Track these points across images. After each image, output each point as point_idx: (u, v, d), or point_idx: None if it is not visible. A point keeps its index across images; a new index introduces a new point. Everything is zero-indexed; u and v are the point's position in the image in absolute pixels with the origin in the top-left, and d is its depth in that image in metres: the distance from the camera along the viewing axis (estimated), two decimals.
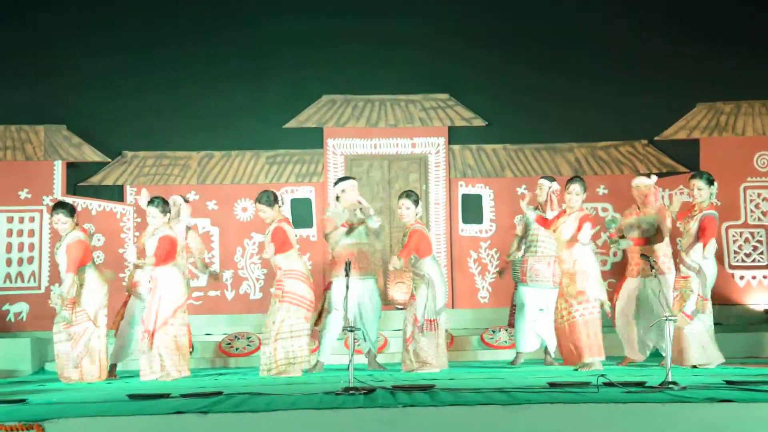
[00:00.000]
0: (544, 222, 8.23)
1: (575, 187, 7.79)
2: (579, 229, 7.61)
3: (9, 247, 10.81)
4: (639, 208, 8.29)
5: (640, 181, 8.31)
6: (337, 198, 8.49)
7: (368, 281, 8.30)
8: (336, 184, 8.64)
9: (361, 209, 8.35)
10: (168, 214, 7.98)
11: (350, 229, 8.28)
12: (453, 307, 11.04)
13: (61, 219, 7.78)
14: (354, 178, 8.76)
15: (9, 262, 10.82)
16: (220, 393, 5.39)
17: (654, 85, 11.14)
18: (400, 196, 8.16)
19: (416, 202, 8.04)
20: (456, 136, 11.63)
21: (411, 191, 8.26)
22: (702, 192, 7.71)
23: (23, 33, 11.16)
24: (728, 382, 5.50)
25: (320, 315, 8.31)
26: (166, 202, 8.01)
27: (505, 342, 10.04)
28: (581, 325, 7.53)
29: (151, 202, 7.94)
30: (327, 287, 8.44)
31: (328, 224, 8.42)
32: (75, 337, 7.66)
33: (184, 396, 5.27)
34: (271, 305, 7.88)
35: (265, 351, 7.78)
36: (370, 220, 8.31)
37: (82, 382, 7.60)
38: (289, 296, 7.76)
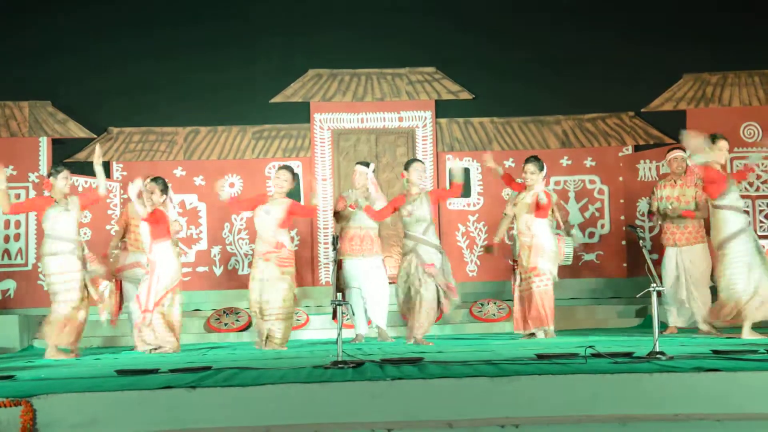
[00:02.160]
0: (510, 182, 8.71)
1: (529, 167, 8.23)
2: (536, 207, 8.04)
3: None
4: (675, 181, 8.75)
5: (679, 153, 8.73)
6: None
7: (374, 258, 8.59)
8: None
9: (367, 196, 8.60)
10: (165, 196, 7.97)
11: (356, 212, 8.60)
12: None
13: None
14: (367, 165, 8.79)
15: None
16: (209, 368, 5.38)
17: (640, 56, 11.11)
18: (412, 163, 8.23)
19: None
20: (443, 109, 11.59)
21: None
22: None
23: (7, 9, 11.03)
24: (715, 352, 5.53)
25: (342, 293, 8.58)
26: (166, 184, 8.04)
27: (494, 315, 10.07)
28: (536, 296, 8.06)
29: (155, 179, 7.97)
30: (339, 266, 8.65)
31: (339, 203, 8.77)
32: None
33: (172, 371, 5.26)
34: (279, 282, 7.88)
35: (279, 326, 7.84)
36: (380, 202, 8.59)
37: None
38: (293, 274, 7.94)
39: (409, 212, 7.86)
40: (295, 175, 8.13)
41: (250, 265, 11.03)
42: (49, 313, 7.74)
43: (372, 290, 8.50)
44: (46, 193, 8.01)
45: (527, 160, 8.41)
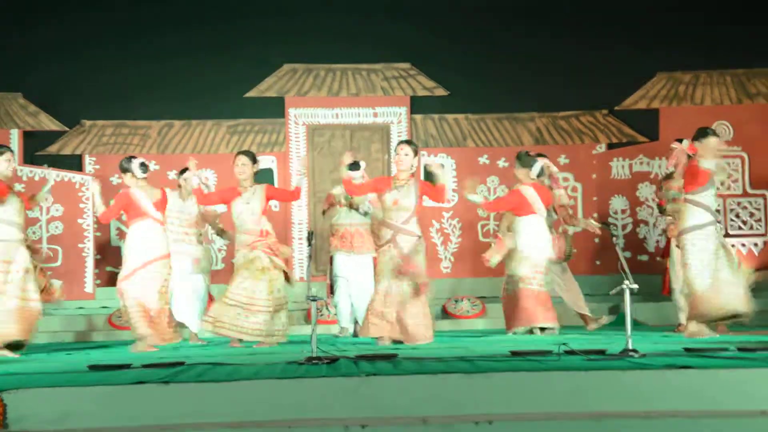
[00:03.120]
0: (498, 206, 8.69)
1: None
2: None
3: None
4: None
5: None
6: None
7: (364, 256, 8.69)
8: None
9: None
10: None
11: (350, 208, 8.69)
12: None
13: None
14: (357, 167, 8.41)
15: None
16: (182, 363, 5.34)
17: (614, 55, 11.17)
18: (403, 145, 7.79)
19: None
20: (418, 105, 11.60)
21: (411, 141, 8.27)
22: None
23: None
24: (687, 350, 5.57)
25: (332, 287, 8.77)
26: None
27: (467, 312, 10.09)
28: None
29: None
30: (330, 261, 8.88)
31: (328, 200, 8.89)
32: None
33: (145, 366, 5.22)
34: (266, 272, 7.60)
35: (265, 319, 7.54)
36: (363, 205, 8.66)
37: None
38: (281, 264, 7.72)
39: (395, 200, 7.45)
40: (255, 159, 7.84)
41: (224, 260, 11.01)
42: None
43: (357, 287, 8.55)
44: None
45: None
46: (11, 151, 7.41)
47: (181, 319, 8.29)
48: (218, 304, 7.61)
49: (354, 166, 8.16)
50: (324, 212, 8.99)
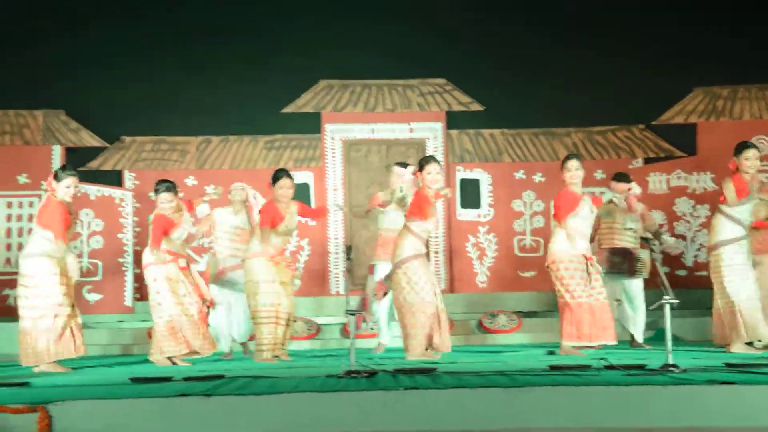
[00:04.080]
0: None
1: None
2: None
3: (9, 232, 10.79)
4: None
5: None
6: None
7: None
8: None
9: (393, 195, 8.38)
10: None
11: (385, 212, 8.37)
12: (452, 292, 11.06)
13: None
14: (405, 166, 8.41)
15: (9, 247, 10.79)
16: (222, 376, 5.39)
17: (651, 69, 11.11)
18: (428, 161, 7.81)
19: None
20: (454, 121, 11.60)
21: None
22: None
23: (23, 18, 11.08)
24: (728, 365, 5.52)
25: (364, 300, 8.34)
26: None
27: (504, 326, 10.05)
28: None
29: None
30: (370, 271, 8.49)
31: (372, 201, 8.55)
32: None
33: (186, 379, 5.28)
34: (290, 285, 7.75)
35: (280, 332, 7.65)
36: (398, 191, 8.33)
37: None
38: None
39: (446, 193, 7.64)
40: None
41: None
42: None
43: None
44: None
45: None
46: (75, 175, 7.47)
47: (235, 333, 8.44)
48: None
49: (403, 164, 8.28)
50: (368, 211, 8.64)
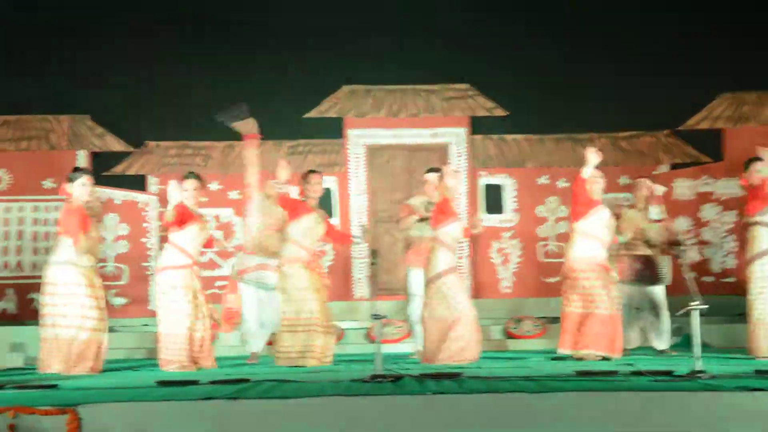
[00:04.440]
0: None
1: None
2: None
3: (34, 236, 10.89)
4: None
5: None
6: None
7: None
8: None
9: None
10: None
11: (421, 221, 8.25)
12: (476, 298, 11.03)
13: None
14: (436, 171, 8.28)
15: (35, 251, 10.89)
16: (247, 380, 5.42)
17: (676, 74, 11.06)
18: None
19: None
20: (477, 126, 11.60)
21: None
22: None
23: (47, 22, 11.19)
24: (758, 372, 5.48)
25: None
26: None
27: (529, 332, 10.04)
28: None
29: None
30: (404, 276, 8.47)
31: (403, 211, 8.49)
32: None
33: (212, 383, 5.30)
34: (321, 291, 7.65)
35: (322, 339, 7.51)
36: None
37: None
38: None
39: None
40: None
41: None
42: None
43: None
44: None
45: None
46: (87, 173, 7.42)
47: (273, 328, 8.37)
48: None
49: (434, 169, 8.26)
50: (399, 221, 8.62)
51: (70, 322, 7.05)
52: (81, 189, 7.22)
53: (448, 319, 7.34)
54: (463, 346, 7.32)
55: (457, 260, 7.69)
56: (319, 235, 7.80)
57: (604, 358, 7.38)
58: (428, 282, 7.45)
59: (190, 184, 7.40)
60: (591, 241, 7.55)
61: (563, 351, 7.53)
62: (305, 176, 7.82)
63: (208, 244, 7.73)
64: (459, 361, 7.25)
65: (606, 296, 7.44)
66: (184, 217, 7.25)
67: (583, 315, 7.48)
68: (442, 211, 7.52)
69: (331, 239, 8.51)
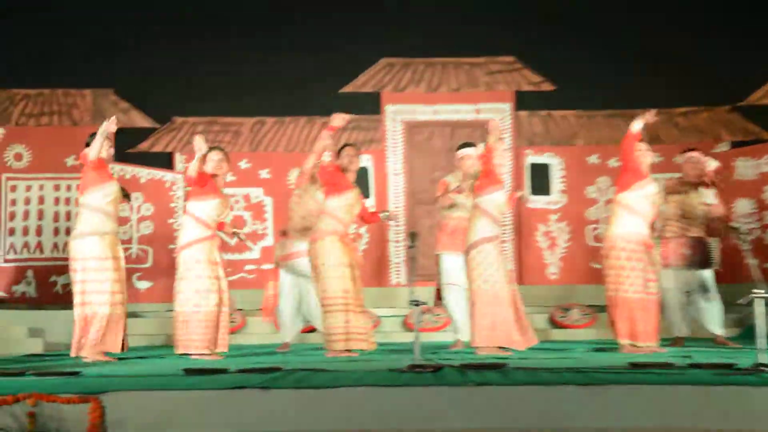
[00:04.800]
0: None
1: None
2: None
3: (56, 216, 10.99)
4: None
5: None
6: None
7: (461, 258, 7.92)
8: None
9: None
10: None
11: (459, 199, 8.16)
12: (520, 284, 10.96)
13: None
14: (470, 146, 8.33)
15: (56, 232, 10.98)
16: (278, 369, 5.42)
17: (738, 47, 10.88)
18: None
19: None
20: (523, 101, 11.51)
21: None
22: None
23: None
24: None
25: (438, 292, 8.25)
26: None
27: (578, 321, 9.98)
28: None
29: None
30: (435, 261, 8.34)
31: (440, 187, 8.38)
32: None
33: (241, 371, 5.32)
34: (357, 269, 7.57)
35: (355, 320, 7.43)
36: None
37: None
38: None
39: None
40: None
41: None
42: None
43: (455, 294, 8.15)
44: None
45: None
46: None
47: (313, 319, 8.40)
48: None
49: (467, 144, 8.25)
50: (437, 199, 8.40)
51: (98, 300, 7.17)
52: (97, 147, 7.42)
53: (484, 294, 7.22)
54: (499, 327, 7.20)
55: (501, 232, 7.56)
56: (356, 213, 7.76)
57: (633, 346, 7.28)
58: (466, 251, 7.37)
59: (216, 154, 7.53)
60: (634, 216, 7.40)
61: (623, 341, 7.37)
62: (341, 150, 7.79)
63: (220, 225, 7.66)
64: (496, 345, 7.17)
65: (639, 278, 7.31)
66: (205, 180, 7.33)
67: (613, 298, 7.38)
68: (486, 176, 7.44)
69: (359, 217, 8.49)
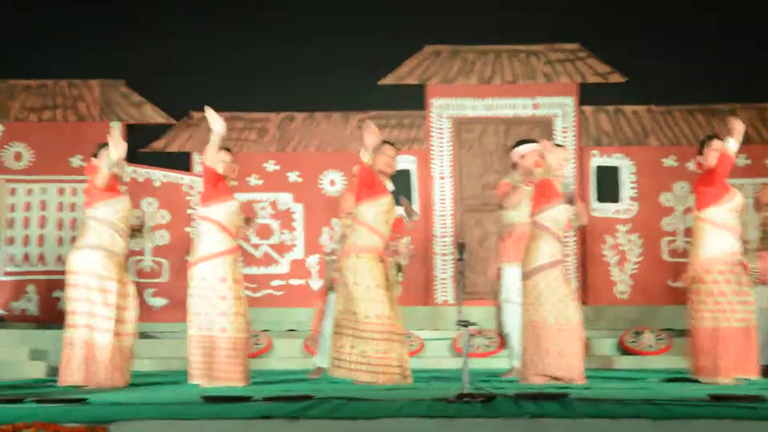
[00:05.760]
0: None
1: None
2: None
3: (60, 224, 11.13)
4: None
5: None
6: (514, 166, 8.37)
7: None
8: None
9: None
10: None
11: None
12: (584, 304, 10.95)
13: None
14: (528, 142, 8.27)
15: (60, 241, 11.14)
16: (310, 397, 5.47)
17: None
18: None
19: None
20: (588, 94, 11.52)
21: None
22: None
23: None
24: None
25: (499, 309, 8.25)
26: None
27: (651, 346, 9.94)
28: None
29: None
30: (497, 275, 8.31)
31: (501, 187, 8.29)
32: None
33: (268, 399, 5.37)
34: (394, 290, 7.53)
35: (398, 351, 7.34)
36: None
37: None
38: None
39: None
40: None
41: None
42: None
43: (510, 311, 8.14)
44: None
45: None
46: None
47: None
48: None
49: (525, 141, 8.23)
50: (501, 206, 8.31)
51: (90, 323, 7.09)
52: (110, 159, 7.24)
53: (546, 325, 7.27)
54: (562, 359, 7.25)
55: (563, 254, 7.56)
56: (390, 222, 7.57)
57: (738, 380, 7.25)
58: (525, 276, 7.39)
59: (227, 155, 7.38)
60: (724, 233, 7.40)
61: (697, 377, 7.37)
62: (378, 149, 7.75)
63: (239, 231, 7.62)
64: (557, 379, 7.19)
65: (741, 305, 7.30)
66: (217, 179, 7.19)
67: (714, 330, 7.34)
68: (542, 193, 7.45)
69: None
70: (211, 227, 7.24)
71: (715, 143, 7.40)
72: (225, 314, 7.13)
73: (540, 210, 7.44)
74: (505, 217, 8.31)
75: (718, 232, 7.39)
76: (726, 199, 7.42)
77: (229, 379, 7.08)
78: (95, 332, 7.10)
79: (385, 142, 7.76)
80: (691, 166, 11.21)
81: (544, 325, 7.28)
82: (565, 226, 7.65)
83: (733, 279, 7.31)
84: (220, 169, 7.24)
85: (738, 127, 7.32)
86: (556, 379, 7.25)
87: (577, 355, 7.30)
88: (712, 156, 7.36)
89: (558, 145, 7.86)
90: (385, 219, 7.53)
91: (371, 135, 7.31)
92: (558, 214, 7.45)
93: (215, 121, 7.03)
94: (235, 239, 7.32)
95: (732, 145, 7.30)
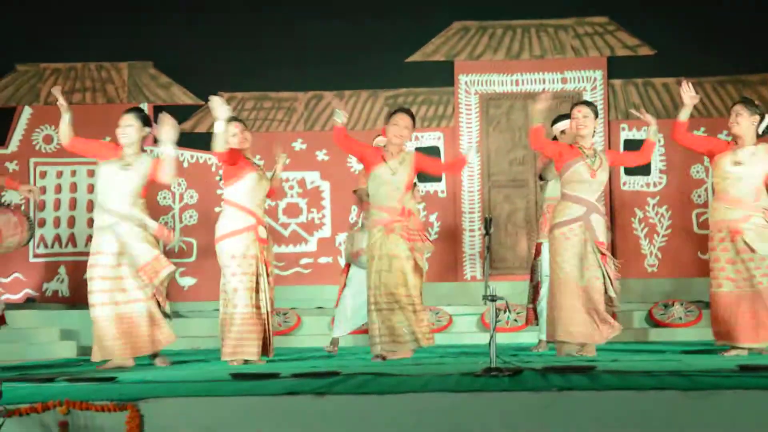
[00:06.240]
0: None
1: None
2: None
3: (90, 206, 11.19)
4: None
5: None
6: (555, 138, 8.29)
7: None
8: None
9: None
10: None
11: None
12: None
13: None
14: (566, 118, 8.18)
15: (90, 223, 11.17)
16: (337, 373, 5.48)
17: None
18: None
19: None
20: (617, 68, 11.48)
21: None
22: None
23: None
24: None
25: (536, 288, 8.21)
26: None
27: (680, 318, 9.91)
28: None
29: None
30: (536, 252, 8.27)
31: (542, 158, 8.22)
32: None
33: (295, 376, 5.39)
34: (406, 261, 7.37)
35: (410, 320, 7.35)
36: None
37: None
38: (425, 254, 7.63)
39: (593, 171, 7.32)
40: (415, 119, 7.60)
41: None
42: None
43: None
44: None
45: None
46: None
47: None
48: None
49: (564, 116, 8.15)
50: (541, 177, 8.27)
51: (108, 298, 7.23)
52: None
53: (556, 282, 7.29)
54: (568, 322, 7.22)
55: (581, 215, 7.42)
56: (401, 187, 7.40)
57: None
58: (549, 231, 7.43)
59: (233, 126, 7.31)
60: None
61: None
62: (388, 116, 7.68)
63: (270, 193, 7.63)
64: (567, 343, 7.20)
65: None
66: (236, 156, 7.22)
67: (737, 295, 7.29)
68: (559, 157, 7.41)
69: (433, 173, 8.30)
70: (227, 207, 7.36)
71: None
72: (236, 290, 7.19)
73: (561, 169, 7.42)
74: (545, 189, 8.29)
75: None
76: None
77: (244, 353, 7.16)
78: (104, 308, 7.24)
79: (397, 110, 7.65)
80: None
81: (554, 283, 7.30)
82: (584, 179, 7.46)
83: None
84: (233, 144, 7.25)
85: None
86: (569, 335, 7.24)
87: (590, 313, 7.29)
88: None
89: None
90: (383, 190, 7.42)
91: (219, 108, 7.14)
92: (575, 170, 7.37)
93: (221, 108, 7.04)
94: (255, 216, 7.32)
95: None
